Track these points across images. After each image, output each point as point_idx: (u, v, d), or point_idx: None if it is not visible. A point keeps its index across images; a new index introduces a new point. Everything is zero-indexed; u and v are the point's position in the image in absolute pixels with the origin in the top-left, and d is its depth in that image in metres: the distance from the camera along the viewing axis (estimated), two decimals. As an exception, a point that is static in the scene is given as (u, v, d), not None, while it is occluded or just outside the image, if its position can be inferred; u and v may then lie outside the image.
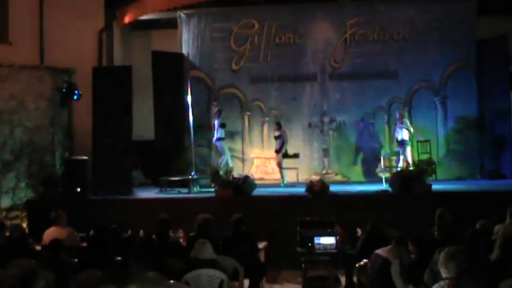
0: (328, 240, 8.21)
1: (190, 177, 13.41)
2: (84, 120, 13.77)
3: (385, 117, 15.48)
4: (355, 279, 8.13)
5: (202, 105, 15.69)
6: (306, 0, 15.84)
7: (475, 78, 15.23)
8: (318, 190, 11.55)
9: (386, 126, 15.48)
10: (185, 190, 13.06)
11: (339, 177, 15.31)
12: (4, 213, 12.84)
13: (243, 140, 15.48)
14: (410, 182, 11.45)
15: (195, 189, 13.15)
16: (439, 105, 15.40)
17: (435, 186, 11.75)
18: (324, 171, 15.31)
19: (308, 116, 15.70)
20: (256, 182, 12.82)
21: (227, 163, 14.38)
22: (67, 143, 14.12)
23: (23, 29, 14.39)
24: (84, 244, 8.26)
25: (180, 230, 8.89)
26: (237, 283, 7.41)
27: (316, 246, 8.21)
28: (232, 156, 15.20)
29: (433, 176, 12.65)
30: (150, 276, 5.63)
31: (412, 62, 15.44)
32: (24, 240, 7.74)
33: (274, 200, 11.87)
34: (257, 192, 12.28)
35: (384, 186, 12.64)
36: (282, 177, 14.23)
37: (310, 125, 15.68)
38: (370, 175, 15.17)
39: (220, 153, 14.71)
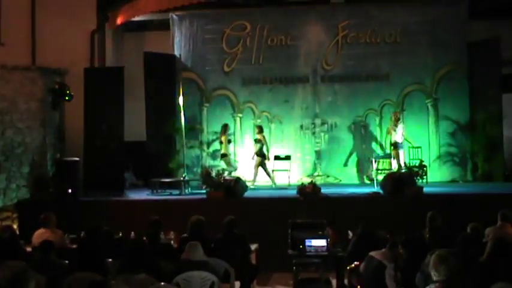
0: (320, 243, 8.18)
1: (181, 179, 13.41)
2: (75, 121, 13.76)
3: (377, 119, 15.50)
4: (346, 281, 8.15)
5: (194, 107, 15.68)
6: (298, 3, 15.87)
7: (467, 81, 15.26)
8: (309, 192, 11.54)
9: (378, 129, 15.49)
10: (177, 192, 13.04)
11: (330, 180, 15.31)
12: (-5, 215, 12.80)
13: (234, 142, 15.43)
14: (401, 184, 11.48)
15: (186, 191, 13.14)
16: (431, 108, 15.41)
17: (427, 189, 11.78)
18: (315, 174, 15.31)
19: (300, 118, 15.68)
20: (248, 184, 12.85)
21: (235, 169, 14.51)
22: (58, 144, 14.11)
23: (15, 30, 14.37)
24: (74, 246, 8.23)
25: (172, 232, 8.89)
26: (228, 285, 7.39)
27: (308, 249, 8.17)
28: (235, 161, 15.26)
29: (424, 179, 12.71)
30: (141, 278, 5.62)
31: (404, 65, 15.45)
32: (14, 242, 7.68)
33: (265, 202, 11.87)
34: (248, 194, 12.29)
35: (376, 188, 12.67)
36: (255, 179, 14.19)
37: (302, 127, 15.65)
38: (362, 177, 15.22)
39: (232, 166, 14.66)
